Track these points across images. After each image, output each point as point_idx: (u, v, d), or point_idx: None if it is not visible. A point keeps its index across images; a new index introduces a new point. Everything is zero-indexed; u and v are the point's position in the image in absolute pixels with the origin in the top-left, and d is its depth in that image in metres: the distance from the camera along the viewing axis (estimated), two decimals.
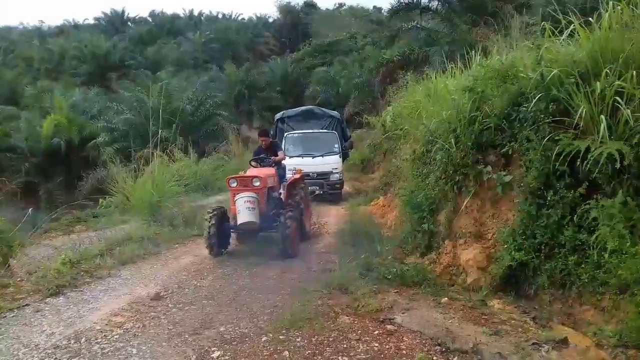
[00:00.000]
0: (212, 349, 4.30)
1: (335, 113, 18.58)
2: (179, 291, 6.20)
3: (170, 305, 5.64)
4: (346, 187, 17.06)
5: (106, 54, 42.77)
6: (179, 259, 7.93)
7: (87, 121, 24.82)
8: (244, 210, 7.64)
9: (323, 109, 19.17)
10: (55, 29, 64.26)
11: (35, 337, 4.88)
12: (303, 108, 18.86)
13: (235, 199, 7.82)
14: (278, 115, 18.21)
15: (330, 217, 12.02)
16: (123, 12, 62.19)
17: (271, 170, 8.82)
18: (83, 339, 4.71)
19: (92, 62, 42.05)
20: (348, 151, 18.27)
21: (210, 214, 8.03)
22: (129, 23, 62.14)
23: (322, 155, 15.26)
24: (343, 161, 16.87)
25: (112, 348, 4.48)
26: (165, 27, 59.15)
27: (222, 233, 8.13)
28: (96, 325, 5.06)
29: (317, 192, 14.22)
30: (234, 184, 8.07)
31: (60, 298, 6.13)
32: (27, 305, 5.86)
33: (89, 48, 43.00)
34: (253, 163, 9.26)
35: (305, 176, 14.26)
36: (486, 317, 5.04)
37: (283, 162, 9.73)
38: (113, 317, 5.31)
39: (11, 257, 7.43)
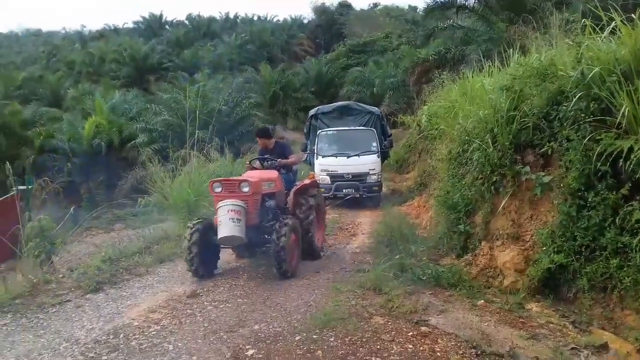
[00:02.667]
0: (247, 347, 4.33)
1: (374, 109, 16.89)
2: (214, 289, 6.28)
3: (205, 303, 5.72)
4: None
5: (144, 56, 43.74)
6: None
7: (126, 122, 25.35)
8: (226, 221, 6.29)
9: (361, 104, 17.47)
10: (96, 33, 66.02)
11: (75, 331, 5.02)
12: (339, 104, 17.32)
13: (217, 207, 6.51)
14: (312, 112, 16.82)
15: (364, 218, 12.00)
16: (161, 16, 63.59)
17: (270, 174, 7.46)
18: (122, 335, 4.82)
19: (131, 65, 43.05)
20: (388, 150, 16.75)
21: (191, 230, 6.71)
22: (167, 26, 63.36)
23: (358, 155, 13.99)
24: (383, 161, 15.70)
25: (149, 344, 4.57)
26: (202, 30, 60.12)
27: (208, 250, 6.84)
28: (134, 322, 5.17)
29: (351, 195, 13.51)
30: (218, 189, 6.72)
31: (100, 294, 6.30)
32: (68, 301, 6.05)
33: (128, 51, 44.07)
34: (255, 164, 8.00)
35: (339, 178, 13.50)
36: (523, 320, 4.94)
37: (296, 165, 8.63)
38: (150, 313, 5.42)
39: (54, 254, 7.67)
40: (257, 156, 8.27)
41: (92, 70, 44.74)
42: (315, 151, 14.35)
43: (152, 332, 4.85)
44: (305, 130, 17.18)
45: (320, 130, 14.99)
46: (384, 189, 16.21)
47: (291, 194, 7.62)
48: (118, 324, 5.13)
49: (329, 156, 14.05)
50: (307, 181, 8.17)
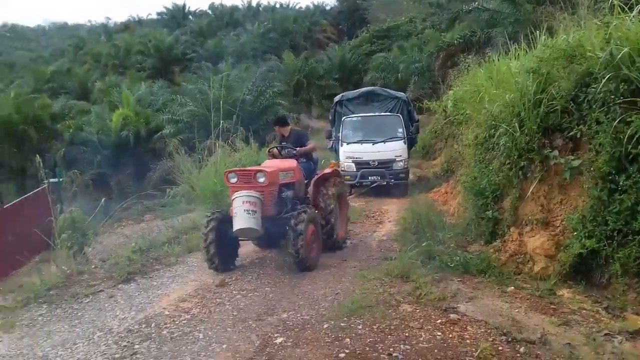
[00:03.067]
0: (275, 335, 4.38)
1: (401, 94, 16.35)
2: (242, 278, 6.37)
3: (234, 292, 5.80)
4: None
5: (169, 47, 43.95)
6: (242, 246, 8.07)
7: (153, 114, 25.62)
8: (241, 213, 6.14)
9: (387, 89, 17.00)
10: (121, 25, 66.68)
11: (109, 321, 5.15)
12: (364, 89, 16.68)
13: (233, 198, 6.34)
14: (337, 98, 16.30)
15: (391, 205, 11.94)
16: (184, 6, 63.65)
17: (289, 163, 7.27)
18: (153, 324, 4.92)
19: (155, 56, 43.33)
20: (415, 137, 16.18)
21: (208, 219, 6.69)
22: (190, 17, 63.54)
23: (383, 141, 13.60)
24: (410, 148, 15.42)
25: (180, 332, 4.66)
26: (225, 19, 60.12)
27: (225, 243, 6.72)
28: (165, 311, 5.27)
29: (377, 182, 13.25)
30: (234, 180, 6.53)
31: (132, 284, 6.44)
32: (101, 291, 6.20)
33: (153, 42, 44.34)
34: (273, 151, 7.91)
35: (364, 165, 13.32)
36: (554, 306, 4.88)
37: (317, 154, 8.34)
38: (181, 303, 5.52)
39: (86, 245, 7.85)
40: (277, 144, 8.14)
41: (118, 62, 45.17)
42: (340, 138, 14.15)
43: (183, 321, 4.94)
44: (330, 117, 16.90)
45: (345, 117, 14.73)
46: (410, 176, 15.84)
47: (311, 183, 7.48)
48: (149, 314, 5.24)
49: (353, 143, 13.79)
50: (328, 170, 8.02)
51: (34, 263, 9.30)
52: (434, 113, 21.68)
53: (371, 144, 13.61)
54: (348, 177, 12.77)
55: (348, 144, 13.82)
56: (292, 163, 7.29)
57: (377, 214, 10.61)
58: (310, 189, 7.47)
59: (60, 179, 12.63)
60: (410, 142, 15.18)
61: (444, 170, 14.23)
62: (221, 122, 16.94)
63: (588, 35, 6.26)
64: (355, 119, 14.51)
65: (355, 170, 13.39)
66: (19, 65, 46.18)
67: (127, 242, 8.85)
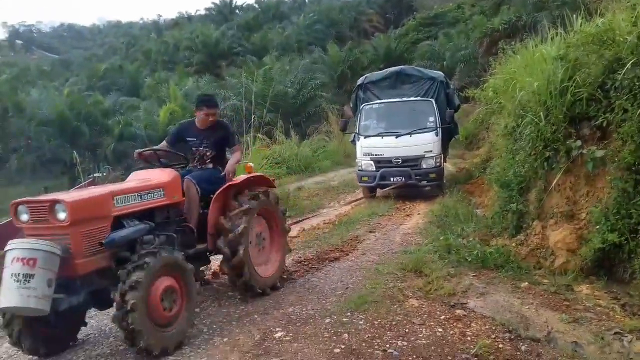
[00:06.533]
0: (277, 329, 4.41)
1: (437, 73, 12.91)
2: None
3: None
4: (448, 165, 14.39)
5: (215, 42, 44.77)
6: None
7: None
8: (7, 280, 3.61)
9: (420, 69, 13.77)
10: (171, 22, 68.44)
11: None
12: (392, 69, 13.27)
13: (5, 250, 3.76)
14: (359, 81, 13.16)
15: (424, 197, 11.66)
16: (231, 1, 64.60)
17: (158, 176, 4.85)
18: None
19: (203, 52, 44.23)
20: (454, 127, 13.12)
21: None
22: (237, 11, 64.44)
23: (409, 134, 11.05)
24: (449, 139, 13.11)
25: None
26: (271, 12, 60.66)
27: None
28: None
29: (399, 182, 11.13)
30: (24, 217, 4.00)
31: None
32: None
33: (200, 38, 45.31)
34: (145, 154, 5.35)
35: (385, 163, 11.00)
36: (568, 303, 4.68)
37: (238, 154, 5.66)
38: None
39: None
40: (171, 140, 5.70)
41: (167, 59, 46.49)
42: (357, 130, 11.82)
43: None
44: (351, 105, 13.81)
45: (363, 104, 12.12)
46: (450, 167, 14.63)
47: (213, 199, 5.11)
48: None
49: (373, 136, 11.42)
50: (237, 179, 5.33)
51: None
52: (478, 101, 21.21)
53: (394, 137, 11.19)
54: (366, 178, 11.28)
55: (366, 137, 11.48)
56: (161, 176, 4.84)
57: (408, 206, 10.43)
58: (212, 210, 5.09)
59: (104, 174, 13.19)
60: (450, 133, 12.67)
61: (483, 161, 13.86)
62: (264, 114, 17.12)
63: (618, 18, 5.96)
64: (375, 106, 12.01)
65: (374, 169, 11.16)
66: (75, 63, 48.23)
67: None
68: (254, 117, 14.53)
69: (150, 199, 4.54)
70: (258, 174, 5.86)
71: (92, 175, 10.02)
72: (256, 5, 65.38)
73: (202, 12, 68.98)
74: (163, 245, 4.34)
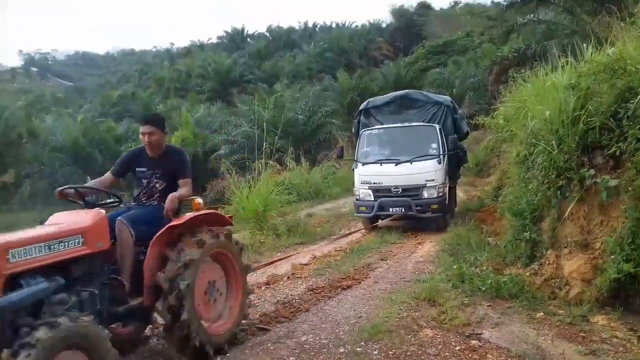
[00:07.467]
0: (290, 358, 4.38)
1: (443, 98, 12.27)
2: (271, 299, 6.40)
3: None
4: (459, 193, 14.33)
5: (227, 70, 45.50)
6: (277, 267, 8.14)
7: (210, 135, 26.49)
8: None
9: (425, 93, 13.21)
10: (183, 50, 69.64)
11: None
12: (396, 93, 12.72)
13: None
14: (362, 106, 12.60)
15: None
16: (243, 29, 65.79)
17: (77, 220, 3.92)
18: None
19: (215, 79, 44.94)
20: (462, 154, 12.62)
21: None
22: (249, 39, 65.51)
23: (409, 161, 10.39)
24: (459, 167, 12.57)
25: None
26: (281, 40, 61.66)
27: None
28: None
29: (398, 213, 10.57)
30: None
31: None
32: None
33: (212, 66, 46.09)
34: (66, 192, 4.44)
35: (384, 192, 10.46)
36: (584, 334, 4.63)
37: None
38: None
39: None
40: (119, 166, 4.87)
41: (179, 86, 47.24)
42: (356, 157, 11.29)
43: None
44: (353, 131, 13.24)
45: (363, 130, 11.58)
46: (461, 195, 14.29)
47: (150, 245, 4.26)
48: None
49: (371, 164, 10.76)
50: (180, 220, 4.45)
51: None
52: (488, 129, 21.26)
53: (393, 164, 10.51)
54: (364, 208, 10.71)
55: (364, 165, 10.86)
56: (81, 219, 3.93)
57: (420, 234, 10.38)
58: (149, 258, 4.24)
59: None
60: (458, 160, 12.11)
61: (495, 189, 13.82)
62: (275, 141, 17.25)
63: (629, 47, 6.01)
64: (375, 132, 11.39)
65: (372, 198, 10.54)
66: (89, 90, 49.06)
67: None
68: (266, 144, 14.54)
69: (63, 249, 3.64)
70: (209, 211, 4.91)
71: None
72: (267, 34, 66.51)
73: (214, 40, 70.42)
74: (75, 306, 3.57)
